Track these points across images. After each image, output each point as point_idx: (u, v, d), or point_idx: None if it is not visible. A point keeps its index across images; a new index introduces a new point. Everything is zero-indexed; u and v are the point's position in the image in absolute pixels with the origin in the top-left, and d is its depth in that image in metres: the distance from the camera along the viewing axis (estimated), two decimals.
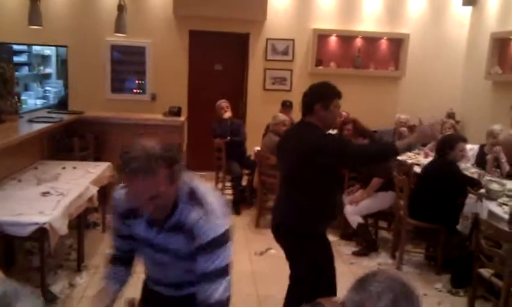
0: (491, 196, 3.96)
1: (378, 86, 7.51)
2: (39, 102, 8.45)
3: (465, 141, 4.55)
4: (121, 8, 6.22)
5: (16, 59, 7.72)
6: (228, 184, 6.21)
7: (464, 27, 7.48)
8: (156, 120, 6.46)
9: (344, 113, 5.72)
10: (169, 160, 1.62)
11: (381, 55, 7.53)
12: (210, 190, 1.81)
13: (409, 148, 5.47)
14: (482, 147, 5.37)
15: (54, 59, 9.18)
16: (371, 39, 7.44)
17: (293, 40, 7.31)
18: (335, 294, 2.86)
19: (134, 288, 2.17)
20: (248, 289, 3.98)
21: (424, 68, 7.48)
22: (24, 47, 8.12)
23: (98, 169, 4.64)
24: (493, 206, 3.82)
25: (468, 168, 4.94)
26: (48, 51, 8.95)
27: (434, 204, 4.27)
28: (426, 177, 4.48)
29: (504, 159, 4.78)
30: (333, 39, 7.41)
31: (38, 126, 4.79)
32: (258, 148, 5.93)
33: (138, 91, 7.34)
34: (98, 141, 6.00)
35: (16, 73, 6.72)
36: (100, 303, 1.84)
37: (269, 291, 3.91)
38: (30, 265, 3.98)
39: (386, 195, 4.84)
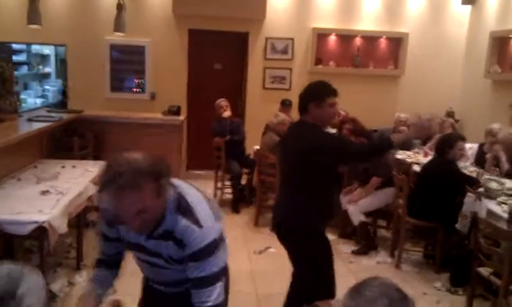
0: (490, 194, 3.97)
1: (377, 85, 7.51)
2: (38, 101, 8.45)
3: (464, 139, 4.56)
4: (120, 7, 6.22)
5: (15, 58, 7.72)
6: (228, 183, 6.21)
7: (464, 26, 7.48)
8: (155, 119, 6.47)
9: (342, 112, 5.73)
10: (155, 174, 1.56)
11: (381, 54, 7.53)
12: (199, 196, 1.77)
13: (407, 143, 5.54)
14: (481, 146, 5.38)
15: (53, 58, 9.18)
16: (370, 38, 7.44)
17: (292, 39, 7.31)
18: (334, 293, 2.88)
19: (134, 285, 2.19)
20: (247, 288, 3.99)
21: (423, 67, 7.48)
22: (23, 46, 8.11)
23: (98, 168, 4.63)
24: (491, 205, 3.83)
25: (467, 167, 4.95)
26: (48, 50, 8.95)
27: (433, 203, 4.28)
28: (425, 176, 4.49)
29: (503, 158, 4.78)
30: (332, 38, 7.41)
31: (37, 125, 4.80)
32: (258, 147, 5.93)
33: (137, 90, 7.33)
34: (97, 140, 6.01)
35: (16, 72, 6.71)
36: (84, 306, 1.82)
37: (268, 290, 3.92)
38: (29, 264, 3.98)
39: (385, 192, 4.84)
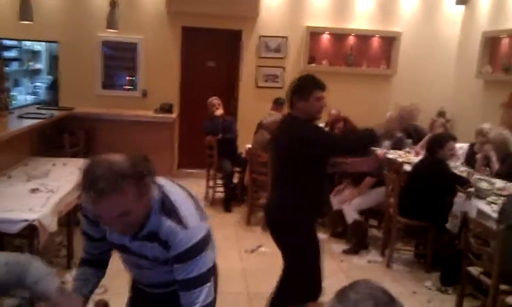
0: (480, 194, 3.99)
1: (370, 84, 7.53)
2: (29, 98, 8.40)
3: (455, 139, 4.58)
4: (113, 4, 6.19)
5: (6, 54, 7.67)
6: (219, 182, 6.20)
7: (457, 26, 7.51)
8: (147, 117, 6.45)
9: (334, 111, 5.73)
10: (137, 175, 1.50)
11: (373, 53, 7.55)
12: (183, 196, 1.73)
13: (398, 143, 5.56)
14: (471, 146, 5.41)
15: (44, 55, 9.13)
16: (363, 37, 7.45)
17: (286, 37, 7.30)
18: (321, 289, 2.93)
19: (123, 284, 2.18)
20: (238, 286, 3.99)
21: (415, 66, 7.50)
22: (14, 42, 8.06)
23: None
24: (481, 205, 3.85)
25: (458, 167, 4.97)
26: (39, 46, 8.89)
27: (424, 203, 4.29)
28: (416, 175, 4.50)
29: (494, 157, 4.81)
30: (325, 37, 7.41)
31: (28, 122, 4.77)
32: (250, 146, 5.93)
33: (129, 87, 7.30)
34: (88, 138, 5.98)
35: (7, 68, 6.67)
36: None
37: (260, 288, 3.91)
38: None
39: (378, 191, 4.86)
